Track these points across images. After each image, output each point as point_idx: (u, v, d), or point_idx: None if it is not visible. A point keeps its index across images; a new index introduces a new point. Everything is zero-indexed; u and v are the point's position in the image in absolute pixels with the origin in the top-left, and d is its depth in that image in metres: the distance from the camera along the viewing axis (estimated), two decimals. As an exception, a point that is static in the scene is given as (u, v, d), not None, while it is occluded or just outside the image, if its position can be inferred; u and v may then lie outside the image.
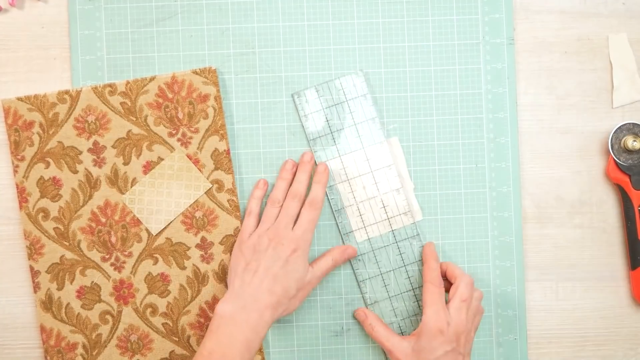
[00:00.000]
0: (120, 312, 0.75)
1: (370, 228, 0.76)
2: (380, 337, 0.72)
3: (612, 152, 0.74)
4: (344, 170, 0.75)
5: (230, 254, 0.74)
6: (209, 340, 0.66)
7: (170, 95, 0.74)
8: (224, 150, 0.75)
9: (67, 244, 0.74)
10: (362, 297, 0.76)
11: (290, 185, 0.74)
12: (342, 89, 0.75)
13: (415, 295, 0.76)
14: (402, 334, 0.75)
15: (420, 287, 0.76)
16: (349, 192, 0.75)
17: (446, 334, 0.68)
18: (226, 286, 0.75)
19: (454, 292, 0.70)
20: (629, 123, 0.74)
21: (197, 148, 0.74)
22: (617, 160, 0.74)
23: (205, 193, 0.75)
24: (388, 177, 0.75)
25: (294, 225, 0.72)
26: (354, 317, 0.75)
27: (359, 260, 0.76)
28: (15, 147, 0.74)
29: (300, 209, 0.73)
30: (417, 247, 0.76)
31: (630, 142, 0.73)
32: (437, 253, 0.75)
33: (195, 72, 0.74)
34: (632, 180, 0.74)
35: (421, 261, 0.76)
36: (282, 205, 0.73)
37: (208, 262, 0.75)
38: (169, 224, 0.74)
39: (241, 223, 0.75)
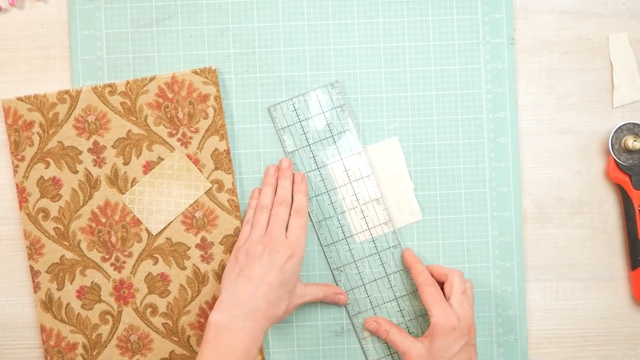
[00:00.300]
0: (120, 312, 0.75)
1: (351, 238, 0.76)
2: (396, 340, 0.71)
3: (613, 152, 0.74)
4: (322, 182, 0.75)
5: (230, 254, 0.74)
6: (207, 350, 0.65)
7: (170, 95, 0.74)
8: (224, 150, 0.75)
9: (67, 244, 0.74)
10: (345, 307, 0.76)
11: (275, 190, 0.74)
12: (318, 101, 0.75)
13: (398, 304, 0.76)
14: (386, 343, 0.75)
15: (403, 296, 0.76)
16: (329, 204, 0.75)
17: (459, 329, 0.68)
18: (226, 286, 0.75)
19: (451, 288, 0.71)
20: (629, 123, 0.74)
21: (197, 148, 0.74)
22: (618, 160, 0.74)
23: (205, 193, 0.75)
24: (367, 187, 0.75)
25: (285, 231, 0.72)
26: (365, 329, 0.75)
27: (341, 271, 0.76)
28: (15, 147, 0.74)
29: (289, 215, 0.72)
30: (397, 256, 0.76)
31: (631, 142, 0.73)
32: (428, 255, 0.75)
33: (195, 72, 0.74)
34: (633, 180, 0.74)
35: (403, 270, 0.76)
36: (271, 211, 0.73)
37: (208, 262, 0.75)
38: (169, 224, 0.74)
39: (241, 224, 0.75)
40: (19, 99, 0.74)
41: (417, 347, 0.70)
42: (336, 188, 0.75)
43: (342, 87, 0.76)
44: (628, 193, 0.74)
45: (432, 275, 0.73)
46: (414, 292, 0.76)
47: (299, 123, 0.75)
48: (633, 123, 0.74)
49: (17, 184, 0.74)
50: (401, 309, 0.76)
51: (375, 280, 0.76)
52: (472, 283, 0.73)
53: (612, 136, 0.75)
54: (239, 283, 0.68)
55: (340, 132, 0.75)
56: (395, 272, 0.76)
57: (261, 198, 0.73)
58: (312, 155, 0.75)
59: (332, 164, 0.75)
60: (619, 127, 0.75)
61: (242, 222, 0.75)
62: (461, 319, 0.69)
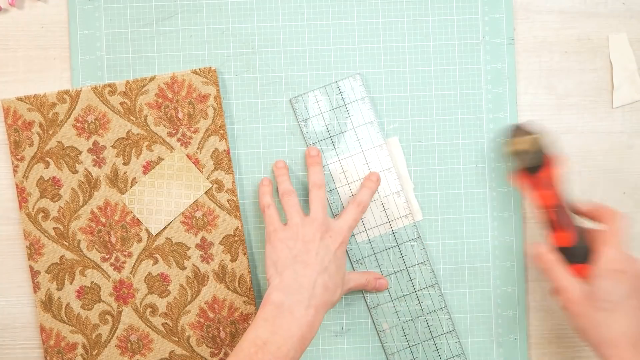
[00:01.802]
0: (120, 312, 0.75)
1: (371, 231, 0.76)
2: (558, 275, 0.66)
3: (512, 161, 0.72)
4: (343, 174, 0.75)
5: (230, 255, 0.74)
6: (263, 329, 0.63)
7: (170, 95, 0.74)
8: (224, 150, 0.75)
9: (67, 244, 0.74)
10: (365, 299, 0.76)
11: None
12: (340, 93, 0.75)
13: (417, 297, 0.76)
14: (405, 336, 0.75)
15: (422, 289, 0.76)
16: (350, 196, 0.75)
17: (628, 275, 0.63)
18: (226, 286, 0.74)
19: (616, 233, 0.65)
20: (514, 127, 0.73)
21: (197, 148, 0.74)
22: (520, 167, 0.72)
23: (205, 193, 0.75)
24: (388, 180, 0.75)
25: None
26: (529, 252, 0.70)
27: (361, 263, 0.76)
28: (15, 147, 0.74)
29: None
30: (417, 249, 0.76)
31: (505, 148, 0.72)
32: (428, 255, 0.75)
33: (195, 72, 0.74)
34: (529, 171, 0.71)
35: (422, 263, 0.76)
36: (311, 195, 0.71)
37: (208, 262, 0.75)
38: (169, 224, 0.74)
39: (241, 224, 0.75)
40: (19, 99, 0.74)
41: (578, 287, 0.65)
42: (357, 180, 0.75)
43: (364, 80, 0.75)
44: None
45: (585, 213, 0.69)
46: (434, 285, 0.76)
47: (320, 115, 0.75)
48: (516, 125, 0.73)
49: (16, 184, 0.74)
50: (420, 302, 0.76)
51: (395, 272, 0.76)
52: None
53: (509, 143, 0.73)
54: (298, 269, 0.66)
55: (362, 125, 0.75)
56: (415, 265, 0.76)
57: (282, 186, 0.72)
58: (333, 147, 0.75)
59: (354, 156, 0.75)
60: (510, 132, 0.73)
61: (241, 222, 0.75)
62: (632, 264, 0.64)
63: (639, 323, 0.63)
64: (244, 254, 0.75)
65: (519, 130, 0.72)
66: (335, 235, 0.69)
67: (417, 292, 0.76)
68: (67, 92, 0.74)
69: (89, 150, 0.74)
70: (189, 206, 0.74)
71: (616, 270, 0.64)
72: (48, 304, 0.74)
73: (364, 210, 0.72)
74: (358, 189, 0.74)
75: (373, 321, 0.76)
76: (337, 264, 0.68)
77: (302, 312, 0.65)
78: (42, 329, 0.74)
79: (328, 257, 0.68)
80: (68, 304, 0.74)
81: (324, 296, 0.66)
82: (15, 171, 0.74)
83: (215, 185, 0.75)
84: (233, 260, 0.75)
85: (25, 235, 0.74)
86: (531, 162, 0.71)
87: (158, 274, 0.75)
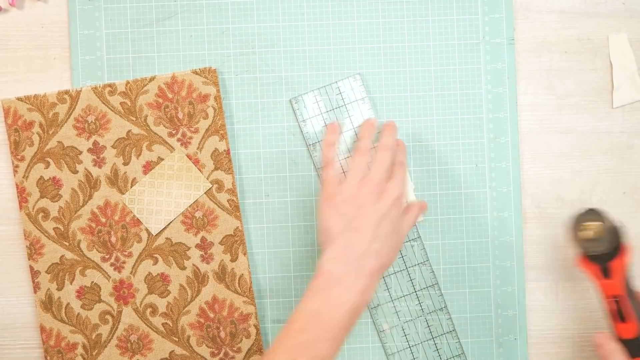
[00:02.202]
0: (120, 312, 0.75)
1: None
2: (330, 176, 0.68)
3: (577, 243, 0.68)
4: (344, 174, 0.75)
5: (231, 255, 0.74)
6: (315, 299, 0.63)
7: (170, 95, 0.74)
8: (224, 150, 0.75)
9: (67, 244, 0.74)
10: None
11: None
12: (340, 93, 0.75)
13: (417, 297, 0.76)
14: (405, 337, 0.75)
15: (422, 289, 0.76)
16: None
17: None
18: (226, 286, 0.74)
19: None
20: (584, 210, 0.68)
21: (197, 148, 0.74)
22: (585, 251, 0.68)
23: (205, 193, 0.75)
24: None
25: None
26: (594, 341, 0.68)
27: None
28: (15, 147, 0.74)
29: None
30: (417, 249, 0.76)
31: (582, 232, 0.67)
32: (428, 255, 0.75)
33: (195, 72, 0.74)
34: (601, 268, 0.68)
35: (422, 263, 0.75)
36: (376, 156, 0.69)
37: (208, 262, 0.75)
38: (169, 224, 0.74)
39: (241, 224, 0.75)
40: (19, 99, 0.74)
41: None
42: None
43: (364, 80, 0.75)
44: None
45: None
46: (434, 285, 0.76)
47: (320, 115, 0.75)
48: (587, 210, 0.68)
49: (17, 184, 0.74)
50: (420, 302, 0.76)
51: (394, 273, 0.76)
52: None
53: (573, 228, 0.69)
54: (351, 236, 0.65)
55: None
56: (415, 265, 0.76)
57: (358, 142, 0.70)
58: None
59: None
60: (575, 218, 0.68)
61: (241, 222, 0.75)
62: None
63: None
64: (244, 254, 0.75)
65: (586, 216, 0.68)
66: (388, 196, 0.67)
67: (417, 292, 0.76)
68: (67, 92, 0.74)
69: (89, 150, 0.74)
70: (189, 206, 0.74)
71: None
72: (48, 304, 0.74)
73: (405, 165, 0.71)
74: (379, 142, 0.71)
75: (373, 321, 0.76)
76: (392, 226, 0.66)
77: (353, 281, 0.63)
78: (42, 329, 0.74)
79: (383, 221, 0.66)
80: (68, 304, 0.74)
81: (377, 262, 0.65)
82: (15, 171, 0.74)
83: (215, 185, 0.75)
84: (233, 260, 0.75)
85: (25, 235, 0.74)
86: (597, 250, 0.67)
87: (158, 274, 0.75)
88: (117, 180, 0.74)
